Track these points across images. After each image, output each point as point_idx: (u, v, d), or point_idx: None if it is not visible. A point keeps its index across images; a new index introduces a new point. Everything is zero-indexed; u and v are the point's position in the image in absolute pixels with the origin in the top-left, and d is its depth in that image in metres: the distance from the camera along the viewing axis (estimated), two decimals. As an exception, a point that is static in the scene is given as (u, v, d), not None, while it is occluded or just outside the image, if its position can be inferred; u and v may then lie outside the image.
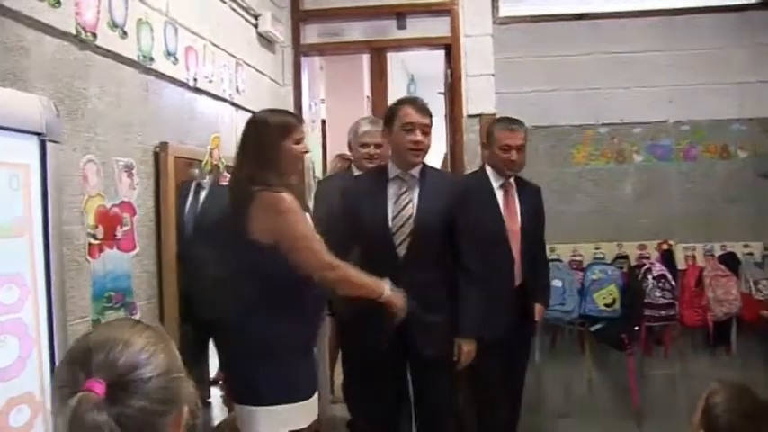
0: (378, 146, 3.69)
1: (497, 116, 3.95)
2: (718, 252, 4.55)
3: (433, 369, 3.11)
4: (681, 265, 4.54)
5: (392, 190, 3.07)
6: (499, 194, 3.64)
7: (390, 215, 3.03)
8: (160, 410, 1.07)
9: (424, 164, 3.13)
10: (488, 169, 3.69)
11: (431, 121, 3.12)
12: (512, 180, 3.66)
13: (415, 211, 3.02)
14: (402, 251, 3.00)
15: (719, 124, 4.60)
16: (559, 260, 4.46)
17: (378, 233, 3.02)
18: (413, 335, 3.00)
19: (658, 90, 4.60)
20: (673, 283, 4.40)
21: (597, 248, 4.55)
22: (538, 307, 3.77)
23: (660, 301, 4.36)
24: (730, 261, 4.53)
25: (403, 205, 3.04)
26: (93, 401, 1.03)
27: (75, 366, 1.08)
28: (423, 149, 3.08)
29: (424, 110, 3.09)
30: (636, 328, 4.43)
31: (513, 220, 3.62)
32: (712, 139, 4.62)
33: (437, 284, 3.07)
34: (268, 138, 2.46)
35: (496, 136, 3.60)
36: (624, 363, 4.50)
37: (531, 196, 3.73)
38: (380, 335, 2.96)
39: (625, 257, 4.58)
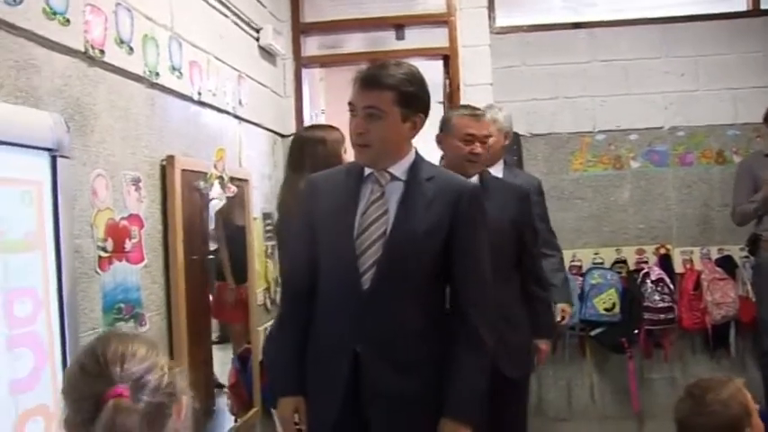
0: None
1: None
2: (715, 256, 4.61)
3: None
4: (679, 269, 4.60)
5: (364, 195, 2.25)
6: None
7: (356, 230, 2.21)
8: (169, 402, 1.23)
9: (417, 156, 2.30)
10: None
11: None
12: (474, 179, 2.94)
13: (389, 228, 2.19)
14: (367, 282, 2.19)
15: (715, 130, 4.67)
16: (559, 266, 4.51)
17: (337, 254, 2.24)
18: (370, 407, 2.21)
19: (654, 97, 4.67)
20: (671, 286, 4.46)
21: (596, 254, 4.60)
22: (541, 342, 3.17)
23: (659, 305, 4.42)
24: (727, 264, 4.59)
25: (373, 218, 2.21)
26: (124, 404, 1.18)
27: (93, 380, 1.22)
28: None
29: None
30: (635, 331, 4.49)
31: None
32: (708, 145, 4.69)
33: (417, 336, 2.22)
34: (332, 152, 2.49)
35: (456, 123, 2.95)
36: (625, 366, 4.55)
37: (507, 199, 3.03)
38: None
39: (624, 262, 4.65)
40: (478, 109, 3.03)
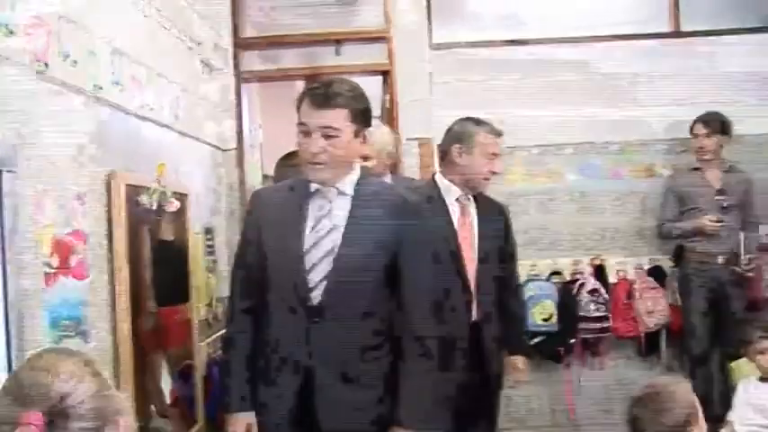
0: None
1: (468, 118, 3.24)
2: (646, 266, 4.77)
3: None
4: (612, 278, 4.74)
5: (312, 211, 2.30)
6: (454, 212, 3.11)
7: (305, 246, 2.27)
8: (96, 427, 1.15)
9: (362, 171, 2.39)
10: (441, 180, 3.16)
11: None
12: (470, 195, 3.16)
13: (338, 243, 2.25)
14: (317, 297, 2.24)
15: (644, 144, 4.85)
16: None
17: (287, 269, 2.28)
18: (320, 415, 2.24)
19: (587, 112, 4.81)
20: (606, 296, 4.60)
21: (533, 265, 4.70)
22: (518, 360, 3.26)
23: (594, 315, 4.55)
24: (658, 274, 4.76)
25: (321, 234, 2.27)
26: None
27: (11, 402, 1.15)
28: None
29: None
30: (572, 341, 4.60)
31: (468, 244, 3.09)
32: (638, 159, 4.86)
33: (367, 350, 2.29)
34: None
35: (482, 141, 3.06)
36: (561, 375, 4.66)
37: (492, 215, 3.23)
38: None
39: (560, 273, 4.76)
40: (495, 126, 3.17)
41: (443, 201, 3.10)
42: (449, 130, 3.20)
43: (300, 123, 2.24)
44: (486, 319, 3.10)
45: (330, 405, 2.23)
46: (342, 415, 2.23)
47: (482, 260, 3.08)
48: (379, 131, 3.48)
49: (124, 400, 1.25)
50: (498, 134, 3.09)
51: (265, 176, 5.26)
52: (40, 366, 1.18)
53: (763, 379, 3.07)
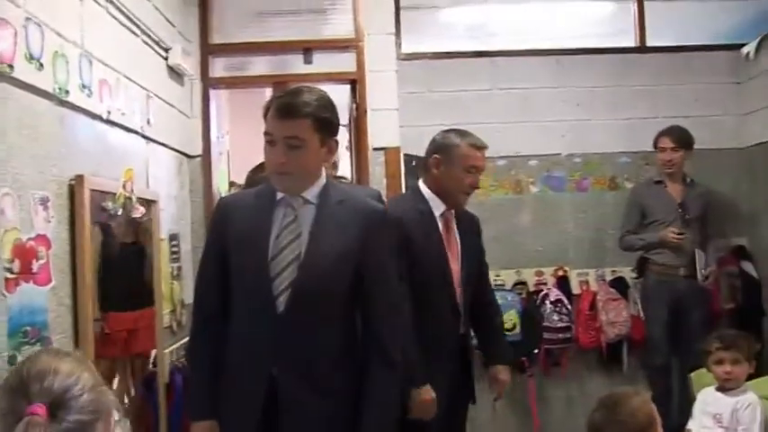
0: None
1: (452, 129, 3.12)
2: (609, 277, 4.85)
3: None
4: (576, 290, 4.81)
5: (278, 218, 2.26)
6: (440, 226, 3.01)
7: (270, 253, 2.22)
8: (93, 419, 1.26)
9: (327, 179, 2.34)
10: (427, 192, 3.03)
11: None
12: (452, 210, 3.07)
13: (303, 251, 2.21)
14: (282, 305, 2.19)
15: (608, 157, 4.94)
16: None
17: (252, 277, 2.24)
18: (284, 426, 2.21)
19: (552, 124, 4.89)
20: (569, 307, 4.65)
21: (497, 276, 4.73)
22: (500, 369, 3.17)
23: (558, 325, 4.60)
24: (620, 286, 4.84)
25: (287, 241, 2.23)
26: (38, 423, 1.21)
27: (14, 396, 1.26)
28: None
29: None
30: (535, 351, 4.64)
31: (455, 259, 3.02)
32: (602, 171, 4.94)
33: (333, 357, 2.26)
34: None
35: (464, 153, 2.95)
36: (525, 385, 4.70)
37: (471, 227, 3.18)
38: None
39: (524, 284, 4.81)
40: (480, 139, 3.02)
41: (433, 216, 2.99)
42: (432, 141, 3.10)
43: (266, 133, 2.22)
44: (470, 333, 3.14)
45: (295, 416, 2.20)
46: (306, 421, 2.20)
47: (467, 276, 3.04)
48: None
49: (113, 395, 1.35)
50: (481, 147, 2.98)
51: (232, 183, 5.25)
52: (41, 363, 1.29)
53: (720, 389, 3.13)
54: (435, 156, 2.97)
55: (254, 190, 2.46)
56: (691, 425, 3.14)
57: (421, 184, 3.07)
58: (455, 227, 3.07)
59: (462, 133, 3.04)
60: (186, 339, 3.15)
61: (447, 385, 2.90)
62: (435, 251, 2.96)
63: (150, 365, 3.27)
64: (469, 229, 3.15)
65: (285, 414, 2.20)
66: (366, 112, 4.51)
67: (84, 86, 2.64)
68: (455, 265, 3.00)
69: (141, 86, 3.30)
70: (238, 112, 6.54)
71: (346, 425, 2.24)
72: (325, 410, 2.22)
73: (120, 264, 2.98)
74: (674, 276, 4.46)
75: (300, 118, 2.17)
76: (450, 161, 2.93)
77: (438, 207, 3.00)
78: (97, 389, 1.29)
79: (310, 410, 2.20)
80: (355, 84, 4.56)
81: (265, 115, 2.23)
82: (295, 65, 4.54)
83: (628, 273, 4.80)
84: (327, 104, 2.26)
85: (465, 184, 2.93)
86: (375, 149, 4.49)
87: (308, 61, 4.54)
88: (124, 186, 2.92)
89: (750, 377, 3.21)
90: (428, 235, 2.95)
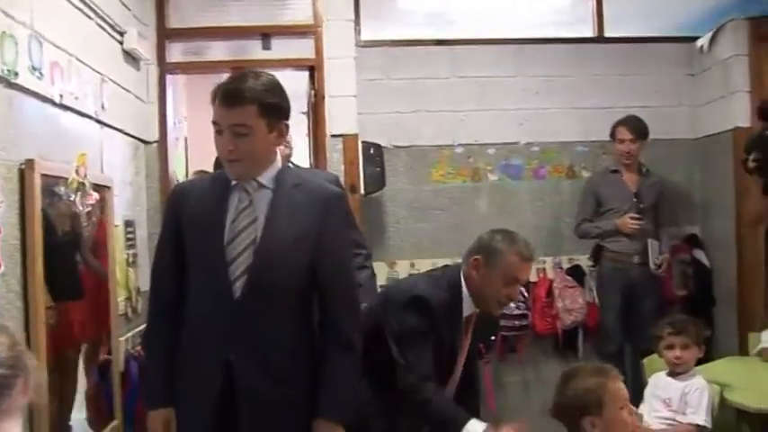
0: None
1: (502, 230, 2.81)
2: (566, 265, 4.90)
3: None
4: (533, 277, 4.83)
5: (233, 203, 2.25)
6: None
7: (225, 239, 2.21)
8: (12, 374, 1.26)
9: (285, 164, 2.37)
10: (464, 290, 2.74)
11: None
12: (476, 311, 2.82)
13: (259, 235, 2.21)
14: (238, 290, 2.19)
15: (565, 146, 4.99)
16: (420, 274, 4.64)
17: (208, 262, 2.23)
18: (243, 417, 2.20)
19: (510, 113, 4.93)
20: (525, 294, 4.69)
21: (455, 263, 4.75)
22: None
23: (515, 312, 4.64)
24: (576, 273, 4.89)
25: (242, 226, 2.22)
26: None
27: None
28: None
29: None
30: (492, 337, 4.68)
31: (461, 359, 2.86)
32: (559, 160, 4.99)
33: (290, 343, 2.24)
34: None
35: (508, 262, 2.65)
36: (482, 371, 4.73)
37: (487, 330, 3.08)
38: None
39: (481, 271, 4.83)
40: (528, 248, 2.71)
41: (460, 315, 2.75)
42: (478, 238, 2.80)
43: (214, 122, 2.21)
44: None
45: (252, 404, 2.19)
46: (264, 407, 2.19)
47: (465, 372, 2.88)
48: None
49: (34, 360, 1.34)
50: (528, 259, 2.69)
51: (201, 171, 5.15)
52: None
53: (670, 374, 3.19)
54: (476, 257, 2.70)
55: (209, 176, 2.50)
56: (642, 409, 3.20)
57: (462, 276, 2.76)
58: (471, 328, 2.86)
59: (512, 239, 2.72)
60: (142, 327, 3.11)
61: None
62: (447, 351, 2.75)
63: (104, 353, 3.23)
64: (485, 330, 3.03)
65: (242, 401, 2.20)
66: (324, 98, 4.49)
67: (34, 68, 2.58)
68: (459, 366, 2.86)
69: (95, 70, 3.24)
70: (196, 97, 6.46)
71: (303, 413, 2.24)
72: (282, 394, 2.21)
73: (62, 251, 2.90)
74: (627, 264, 4.53)
75: (245, 104, 2.15)
76: (492, 267, 2.66)
77: (468, 308, 2.76)
78: (16, 348, 1.30)
79: (267, 395, 2.19)
80: (314, 70, 4.53)
81: (213, 102, 2.21)
82: (253, 50, 4.50)
83: (584, 261, 4.87)
84: (274, 88, 2.24)
85: (502, 294, 2.68)
86: (333, 136, 4.47)
87: (266, 47, 4.51)
88: (77, 171, 2.87)
89: (699, 362, 3.29)
90: (445, 339, 2.72)
